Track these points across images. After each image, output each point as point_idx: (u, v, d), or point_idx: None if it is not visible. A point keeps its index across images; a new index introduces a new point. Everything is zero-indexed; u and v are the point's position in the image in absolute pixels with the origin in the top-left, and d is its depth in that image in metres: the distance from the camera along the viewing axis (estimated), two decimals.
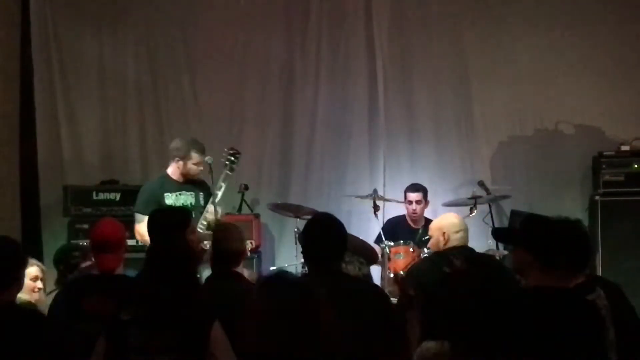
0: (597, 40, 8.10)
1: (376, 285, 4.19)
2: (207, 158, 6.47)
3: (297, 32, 8.43)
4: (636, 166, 7.67)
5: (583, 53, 8.11)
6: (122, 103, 8.37)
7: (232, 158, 6.64)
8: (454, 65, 8.35)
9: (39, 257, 7.64)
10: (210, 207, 6.42)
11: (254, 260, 7.42)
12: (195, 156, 6.57)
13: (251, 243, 7.47)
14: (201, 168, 6.53)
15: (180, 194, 6.52)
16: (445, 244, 5.41)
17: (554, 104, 8.18)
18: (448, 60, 8.35)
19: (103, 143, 8.34)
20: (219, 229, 5.29)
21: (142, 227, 6.38)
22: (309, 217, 7.07)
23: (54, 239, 7.77)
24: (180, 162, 6.57)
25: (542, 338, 3.34)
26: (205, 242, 5.41)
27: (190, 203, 6.51)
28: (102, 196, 7.70)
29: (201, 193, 6.60)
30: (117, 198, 7.70)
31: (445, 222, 5.55)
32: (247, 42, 8.44)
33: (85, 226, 7.42)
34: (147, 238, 6.27)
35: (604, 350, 3.44)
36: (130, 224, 7.47)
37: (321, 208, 7.24)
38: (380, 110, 8.35)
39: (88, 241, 5.05)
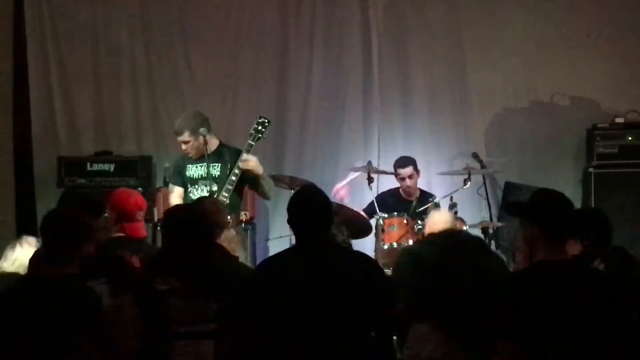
0: (592, 13, 8.08)
1: (365, 255, 4.21)
2: (201, 129, 6.35)
3: (292, 1, 8.38)
4: (630, 138, 7.68)
5: (578, 25, 8.09)
6: (116, 73, 8.32)
7: (260, 127, 6.27)
8: (449, 37, 8.32)
9: (33, 228, 7.67)
10: (231, 179, 6.24)
11: (248, 231, 7.43)
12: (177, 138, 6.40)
13: (245, 214, 7.47)
14: (184, 147, 6.25)
15: (201, 165, 6.34)
16: None
17: (549, 76, 8.17)
18: (443, 31, 8.31)
19: (97, 114, 8.31)
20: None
21: (171, 198, 6.43)
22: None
23: (47, 210, 7.75)
24: None
25: (557, 312, 3.38)
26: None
27: (214, 175, 6.23)
28: (96, 167, 7.70)
29: (229, 164, 6.31)
30: (112, 169, 7.70)
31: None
32: (241, 12, 8.39)
33: None
34: None
35: (617, 318, 3.49)
36: None
37: (315, 179, 7.23)
38: (375, 81, 8.33)
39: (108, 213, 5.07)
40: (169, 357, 3.89)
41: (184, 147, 6.32)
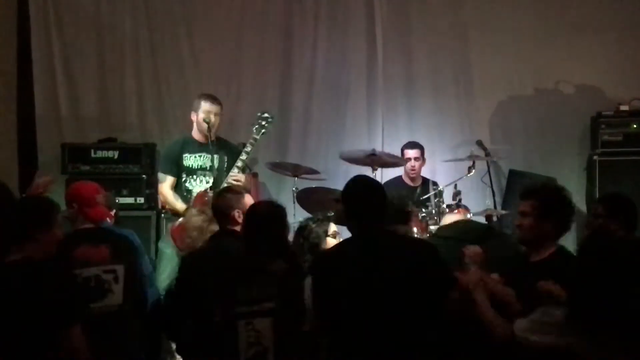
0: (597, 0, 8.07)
1: (422, 240, 4.28)
2: (204, 118, 6.35)
3: None
4: (635, 126, 7.66)
5: (583, 12, 8.06)
6: (119, 60, 8.30)
7: (263, 122, 6.42)
8: (452, 24, 8.30)
9: None
10: (234, 171, 6.28)
11: None
12: (203, 104, 6.40)
13: None
14: (212, 118, 6.37)
15: (200, 155, 6.35)
16: None
17: (554, 64, 8.14)
18: (447, 19, 8.30)
19: (101, 101, 8.29)
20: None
21: (163, 187, 6.44)
22: (307, 176, 7.09)
23: (51, 196, 7.76)
24: (195, 116, 6.45)
25: None
26: None
27: (211, 166, 6.30)
28: (100, 154, 7.67)
29: (226, 156, 6.40)
30: (115, 156, 7.67)
31: None
32: (245, 0, 8.38)
33: None
34: (168, 199, 6.37)
35: None
36: (127, 182, 7.57)
37: (319, 167, 7.23)
38: (379, 69, 8.32)
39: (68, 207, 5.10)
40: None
41: (213, 118, 6.42)
